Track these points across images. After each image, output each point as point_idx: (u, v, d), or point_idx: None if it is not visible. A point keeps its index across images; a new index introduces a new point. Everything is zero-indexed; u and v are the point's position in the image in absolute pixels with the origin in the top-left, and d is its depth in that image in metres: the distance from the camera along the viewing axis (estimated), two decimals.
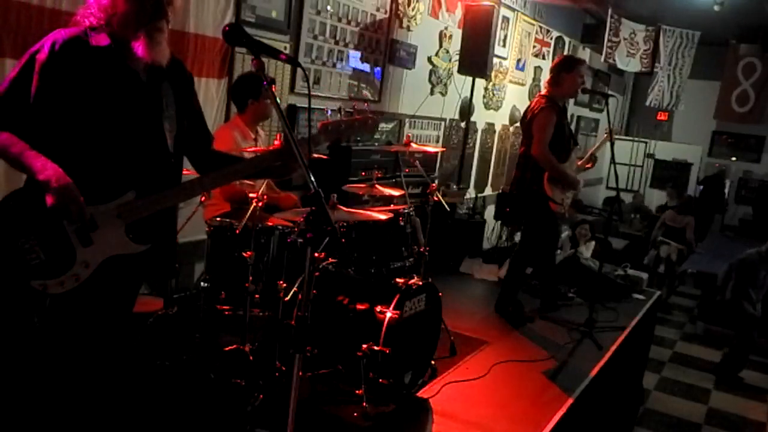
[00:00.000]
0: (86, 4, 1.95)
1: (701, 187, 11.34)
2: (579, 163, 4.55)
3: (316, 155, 4.32)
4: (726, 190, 11.51)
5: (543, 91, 4.47)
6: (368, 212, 3.26)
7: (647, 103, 10.39)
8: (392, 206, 3.65)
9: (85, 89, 1.88)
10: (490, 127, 7.76)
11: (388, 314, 2.88)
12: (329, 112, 2.44)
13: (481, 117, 7.40)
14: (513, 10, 7.41)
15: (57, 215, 1.82)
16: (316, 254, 2.90)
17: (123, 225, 1.92)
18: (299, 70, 1.95)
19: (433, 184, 4.16)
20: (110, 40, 1.92)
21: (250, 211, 2.88)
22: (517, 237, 6.22)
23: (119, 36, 1.92)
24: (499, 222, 7.36)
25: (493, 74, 6.74)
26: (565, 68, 4.35)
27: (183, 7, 3.69)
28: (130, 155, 1.95)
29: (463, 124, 6.73)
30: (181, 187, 2.06)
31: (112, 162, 1.92)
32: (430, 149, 4.76)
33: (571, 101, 9.39)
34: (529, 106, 4.46)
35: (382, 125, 5.66)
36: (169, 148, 2.04)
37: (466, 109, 6.62)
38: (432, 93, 6.30)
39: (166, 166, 2.05)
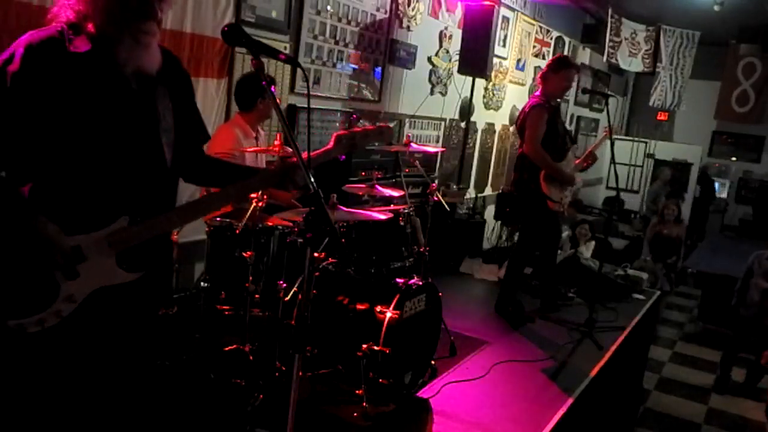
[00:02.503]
0: None
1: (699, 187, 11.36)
2: (577, 161, 4.56)
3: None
4: (715, 186, 11.51)
5: (537, 90, 4.51)
6: (368, 212, 3.26)
7: (650, 104, 10.38)
8: (392, 206, 3.65)
9: (69, 102, 1.65)
10: (490, 127, 7.76)
11: (388, 314, 2.88)
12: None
13: (481, 117, 7.40)
14: (513, 10, 7.40)
15: (37, 263, 1.67)
16: (316, 254, 2.91)
17: (114, 254, 1.73)
18: (299, 69, 1.86)
19: (433, 184, 4.16)
20: (91, 43, 1.68)
21: (250, 211, 2.88)
22: (517, 237, 6.23)
23: (101, 37, 1.68)
24: (499, 222, 7.36)
25: (493, 74, 6.74)
26: (553, 69, 4.40)
27: (180, 5, 3.68)
28: (124, 175, 1.74)
29: (463, 124, 6.73)
30: (177, 211, 1.87)
31: (102, 184, 1.71)
32: (430, 149, 4.77)
33: (571, 101, 9.42)
34: (522, 107, 4.49)
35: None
36: (167, 164, 1.83)
37: (466, 109, 6.62)
38: (432, 93, 6.30)
39: (163, 186, 1.85)
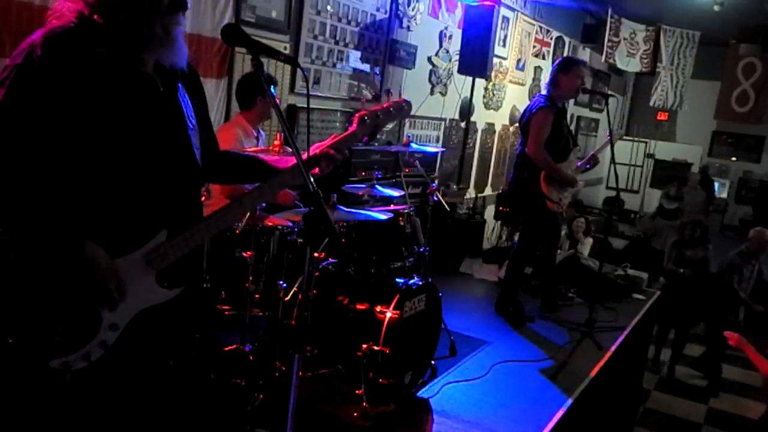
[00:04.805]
0: None
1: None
2: (579, 163, 4.55)
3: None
4: (715, 186, 11.51)
5: (543, 91, 4.49)
6: (368, 212, 3.26)
7: (651, 104, 10.37)
8: (392, 206, 3.65)
9: (95, 105, 1.50)
10: (490, 127, 7.76)
11: (388, 314, 2.88)
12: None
13: (481, 117, 7.40)
14: (513, 10, 7.41)
15: (89, 300, 1.53)
16: (316, 254, 2.91)
17: (153, 273, 1.62)
18: (299, 70, 1.82)
19: (433, 185, 4.16)
20: (113, 41, 1.54)
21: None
22: (517, 237, 6.22)
23: (125, 33, 1.55)
24: (499, 222, 7.37)
25: (493, 74, 6.74)
26: (562, 70, 4.37)
27: None
28: (160, 185, 1.62)
29: (463, 124, 6.74)
30: (214, 217, 1.70)
31: (139, 197, 1.58)
32: (430, 149, 4.76)
33: (572, 101, 9.41)
34: (527, 106, 4.48)
35: None
36: (199, 167, 1.74)
37: (466, 109, 6.62)
38: (432, 93, 6.30)
39: (195, 191, 1.74)
